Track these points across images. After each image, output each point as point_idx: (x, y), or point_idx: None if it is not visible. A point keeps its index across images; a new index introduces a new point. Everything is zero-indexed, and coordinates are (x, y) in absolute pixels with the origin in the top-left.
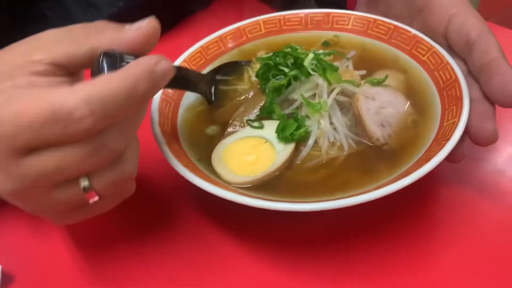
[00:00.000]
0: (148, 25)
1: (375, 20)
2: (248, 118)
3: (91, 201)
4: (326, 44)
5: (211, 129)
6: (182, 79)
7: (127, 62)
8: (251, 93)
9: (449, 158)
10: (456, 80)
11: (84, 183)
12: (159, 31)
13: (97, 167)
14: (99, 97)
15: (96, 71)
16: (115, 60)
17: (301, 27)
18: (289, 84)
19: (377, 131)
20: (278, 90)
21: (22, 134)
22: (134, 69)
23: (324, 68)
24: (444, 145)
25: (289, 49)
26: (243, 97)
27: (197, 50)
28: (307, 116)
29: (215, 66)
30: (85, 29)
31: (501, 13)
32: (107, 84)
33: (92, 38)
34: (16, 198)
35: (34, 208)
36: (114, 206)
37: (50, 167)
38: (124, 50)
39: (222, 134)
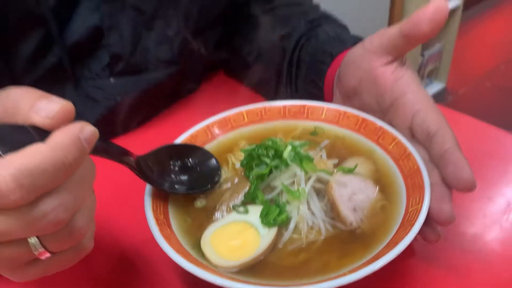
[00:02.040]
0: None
1: (345, 112)
2: (234, 204)
3: (42, 257)
4: (314, 133)
5: (199, 202)
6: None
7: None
8: (236, 180)
9: (426, 238)
10: (418, 170)
11: (31, 240)
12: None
13: (41, 232)
14: (27, 170)
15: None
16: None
17: (280, 117)
18: (270, 172)
19: (350, 216)
20: (261, 177)
21: None
22: (61, 139)
23: (301, 158)
24: (409, 230)
25: (270, 142)
26: (228, 184)
27: (187, 138)
28: (288, 202)
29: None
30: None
31: (469, 84)
32: (36, 156)
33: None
34: None
35: None
36: (74, 262)
37: None
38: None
39: (211, 207)
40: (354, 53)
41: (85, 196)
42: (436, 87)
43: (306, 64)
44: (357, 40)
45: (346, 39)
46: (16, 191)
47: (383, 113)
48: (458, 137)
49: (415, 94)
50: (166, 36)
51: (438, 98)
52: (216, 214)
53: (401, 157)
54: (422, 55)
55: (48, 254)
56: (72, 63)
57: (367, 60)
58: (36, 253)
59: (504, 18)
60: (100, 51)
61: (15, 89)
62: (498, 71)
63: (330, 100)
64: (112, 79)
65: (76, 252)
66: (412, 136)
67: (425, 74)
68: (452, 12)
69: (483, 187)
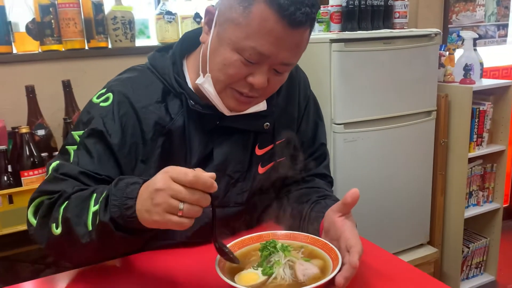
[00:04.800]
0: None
1: (317, 239)
2: (252, 265)
3: (179, 213)
4: (300, 247)
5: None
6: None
7: None
8: (254, 257)
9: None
10: (338, 261)
11: (180, 206)
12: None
13: (189, 201)
14: (197, 175)
15: None
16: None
17: (287, 238)
18: (270, 253)
19: (300, 277)
20: (267, 256)
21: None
22: (211, 175)
23: (283, 249)
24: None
25: (272, 241)
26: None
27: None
28: (274, 266)
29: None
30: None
31: None
32: (199, 173)
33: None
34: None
35: (157, 209)
36: (188, 223)
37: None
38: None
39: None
40: (328, 212)
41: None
42: (485, 278)
43: (312, 217)
44: None
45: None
46: (191, 177)
47: (337, 239)
48: None
49: (349, 232)
50: (241, 190)
51: None
52: (245, 270)
53: (334, 258)
54: (468, 246)
55: (180, 213)
56: None
57: (331, 215)
58: (179, 208)
59: None
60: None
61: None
62: None
63: (321, 234)
64: (211, 208)
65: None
66: (346, 249)
67: (471, 264)
68: (495, 211)
69: None
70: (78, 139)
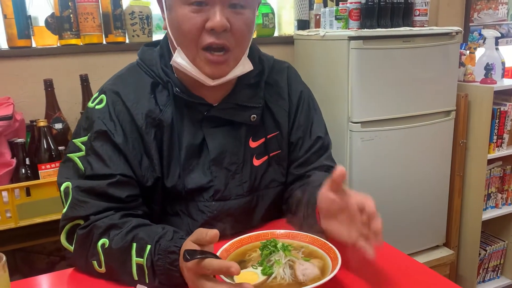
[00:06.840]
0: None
1: (317, 239)
2: (252, 265)
3: None
4: (301, 247)
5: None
6: None
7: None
8: (254, 255)
9: None
10: (337, 261)
11: None
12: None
13: None
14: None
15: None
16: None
17: (288, 237)
18: (271, 253)
19: (300, 276)
20: (267, 255)
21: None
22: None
23: (284, 249)
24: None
25: (273, 240)
26: (252, 256)
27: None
28: (274, 265)
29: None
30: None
31: None
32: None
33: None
34: None
35: None
36: None
37: None
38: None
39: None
40: (321, 193)
41: None
42: (502, 282)
43: (309, 215)
44: None
45: None
46: (205, 270)
47: (344, 208)
48: None
49: (354, 194)
50: (241, 182)
51: None
52: (245, 269)
53: (333, 258)
54: (485, 249)
55: None
56: (192, 194)
57: (326, 195)
58: None
59: None
60: (210, 188)
61: (201, 228)
62: None
63: (319, 221)
64: (213, 202)
65: None
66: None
67: (488, 267)
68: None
69: None
70: (81, 146)
